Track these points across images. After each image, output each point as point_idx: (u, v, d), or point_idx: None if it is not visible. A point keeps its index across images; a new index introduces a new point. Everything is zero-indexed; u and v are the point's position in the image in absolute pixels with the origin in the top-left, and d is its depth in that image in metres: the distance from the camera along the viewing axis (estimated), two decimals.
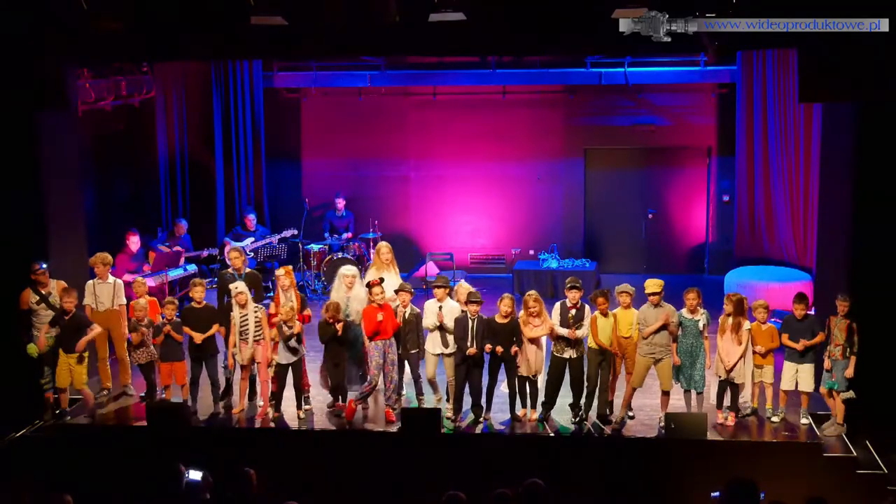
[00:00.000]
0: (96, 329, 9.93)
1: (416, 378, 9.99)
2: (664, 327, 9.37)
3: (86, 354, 9.91)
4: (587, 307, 9.58)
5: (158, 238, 13.74)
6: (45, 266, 10.03)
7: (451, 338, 9.68)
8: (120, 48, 10.43)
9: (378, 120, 15.87)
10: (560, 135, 15.62)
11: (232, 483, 7.05)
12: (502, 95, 15.58)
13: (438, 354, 9.79)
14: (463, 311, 9.62)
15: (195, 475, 7.08)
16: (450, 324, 9.64)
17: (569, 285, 9.59)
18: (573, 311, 9.49)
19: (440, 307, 9.70)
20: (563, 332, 9.46)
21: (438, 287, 9.80)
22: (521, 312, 9.61)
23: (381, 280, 9.76)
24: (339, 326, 9.65)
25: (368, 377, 9.70)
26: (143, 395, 10.38)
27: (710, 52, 12.18)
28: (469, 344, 9.48)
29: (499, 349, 9.43)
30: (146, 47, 10.59)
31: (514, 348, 9.50)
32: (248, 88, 15.32)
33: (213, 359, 9.97)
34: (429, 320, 9.75)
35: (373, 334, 9.54)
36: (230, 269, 10.60)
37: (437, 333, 9.73)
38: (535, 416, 9.76)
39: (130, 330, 10.09)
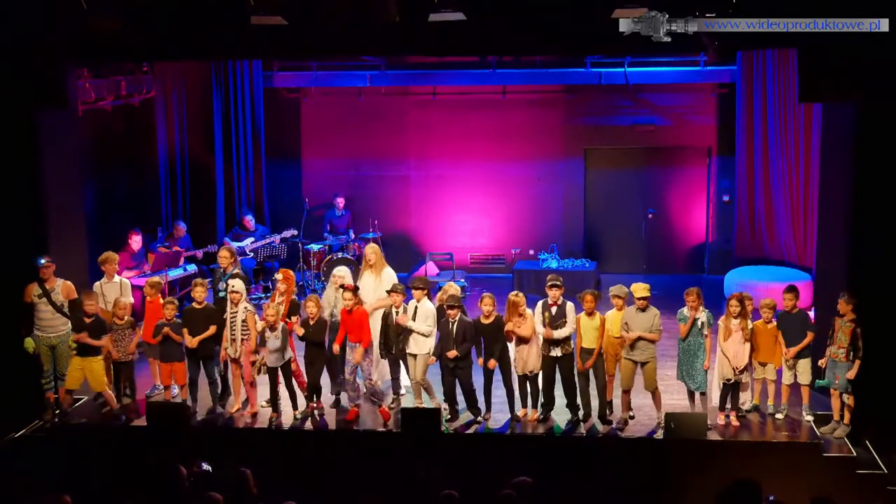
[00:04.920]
0: (105, 341, 9.90)
1: (412, 379, 10.00)
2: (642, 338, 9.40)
3: (100, 357, 9.91)
4: (569, 304, 9.55)
5: (158, 239, 13.74)
6: (43, 262, 10.02)
7: (415, 335, 9.67)
8: (120, 48, 10.43)
9: (378, 120, 15.87)
10: (560, 135, 15.62)
11: (230, 483, 7.06)
12: (502, 95, 15.58)
13: (414, 354, 9.77)
14: (442, 313, 9.64)
15: (206, 466, 7.16)
16: (422, 324, 9.63)
17: (549, 283, 9.56)
18: (553, 309, 9.48)
19: (416, 308, 9.68)
20: (541, 331, 9.46)
21: (416, 288, 9.78)
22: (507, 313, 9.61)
23: (356, 288, 9.77)
24: (299, 331, 9.71)
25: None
26: (147, 392, 10.42)
27: (710, 52, 12.18)
28: (451, 346, 9.47)
29: (481, 361, 9.53)
30: (146, 47, 10.60)
31: (492, 361, 9.54)
32: (248, 88, 15.32)
33: (210, 359, 9.98)
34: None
35: (343, 337, 9.67)
36: (219, 269, 10.66)
37: (414, 334, 9.72)
38: (536, 415, 9.76)
39: (107, 329, 10.02)
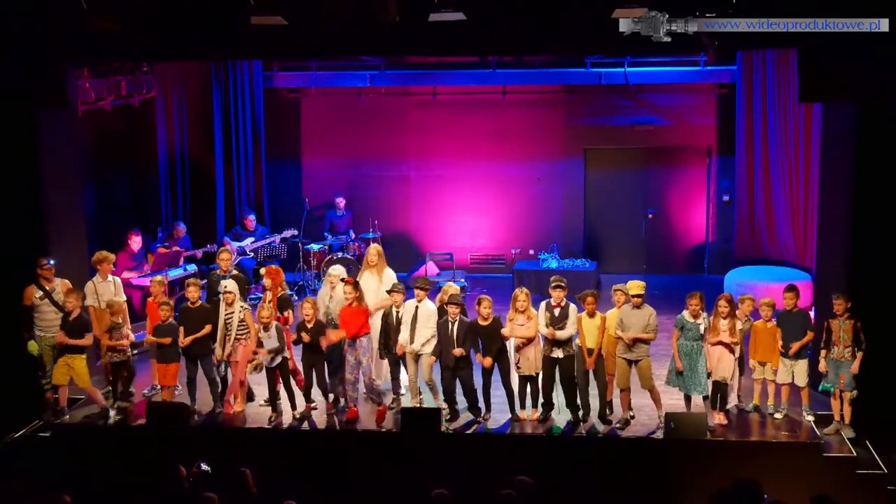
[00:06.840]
0: (87, 339, 9.84)
1: (412, 379, 9.99)
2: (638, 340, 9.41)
3: (83, 355, 9.86)
4: (572, 306, 9.54)
5: (158, 239, 13.74)
6: (52, 262, 10.06)
7: (417, 335, 9.69)
8: (120, 48, 10.43)
9: (378, 120, 15.87)
10: (560, 135, 15.62)
11: (228, 483, 7.06)
12: (502, 95, 15.58)
13: (418, 356, 9.80)
14: (441, 314, 9.66)
15: (205, 467, 7.15)
16: (425, 329, 9.66)
17: (553, 284, 9.56)
18: (557, 311, 9.48)
19: (417, 307, 9.71)
20: (544, 331, 9.46)
21: (418, 288, 9.80)
22: (511, 310, 9.63)
23: (356, 282, 9.76)
24: (305, 337, 9.66)
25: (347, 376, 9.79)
26: (145, 392, 10.40)
27: (710, 52, 12.19)
28: (452, 345, 9.48)
29: (480, 358, 9.51)
30: (146, 47, 10.60)
31: (488, 359, 9.53)
32: (248, 88, 15.32)
33: (207, 358, 9.96)
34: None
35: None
36: (218, 270, 10.66)
37: (407, 330, 9.73)
38: (536, 415, 9.76)
39: (105, 330, 10.00)
